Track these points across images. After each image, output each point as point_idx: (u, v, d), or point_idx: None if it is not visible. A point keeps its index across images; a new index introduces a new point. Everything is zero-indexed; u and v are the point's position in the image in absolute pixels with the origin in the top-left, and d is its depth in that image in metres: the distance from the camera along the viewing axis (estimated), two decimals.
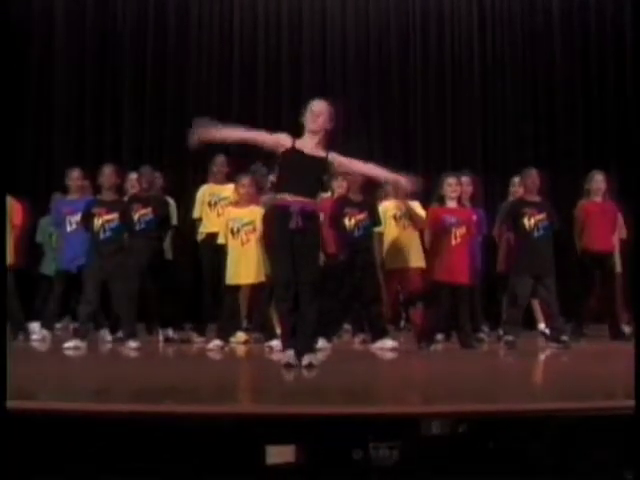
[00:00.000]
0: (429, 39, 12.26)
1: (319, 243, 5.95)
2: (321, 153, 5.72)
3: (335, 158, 5.78)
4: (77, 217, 8.33)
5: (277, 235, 5.65)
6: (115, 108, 11.77)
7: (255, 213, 7.57)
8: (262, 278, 7.55)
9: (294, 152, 5.68)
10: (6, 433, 3.43)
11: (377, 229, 8.11)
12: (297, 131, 5.77)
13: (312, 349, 5.69)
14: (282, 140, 5.72)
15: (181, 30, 11.95)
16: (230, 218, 7.72)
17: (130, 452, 3.54)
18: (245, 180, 7.74)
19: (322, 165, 5.76)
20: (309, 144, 5.72)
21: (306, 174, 5.68)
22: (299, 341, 5.63)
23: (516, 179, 8.75)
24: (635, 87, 11.72)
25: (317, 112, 5.70)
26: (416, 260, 8.21)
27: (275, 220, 5.67)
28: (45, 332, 8.50)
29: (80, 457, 3.51)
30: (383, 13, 12.21)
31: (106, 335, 8.46)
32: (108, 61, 11.87)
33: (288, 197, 5.60)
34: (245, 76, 11.88)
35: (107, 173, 7.88)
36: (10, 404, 3.55)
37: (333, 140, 5.83)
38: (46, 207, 9.55)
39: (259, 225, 7.60)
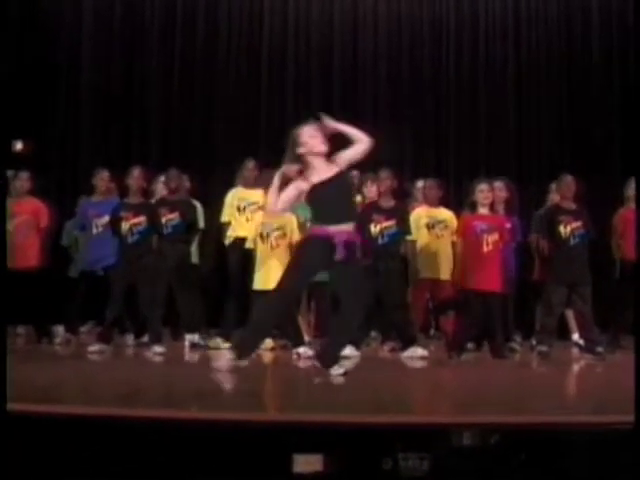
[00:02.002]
0: (463, 42, 12.22)
1: (362, 271, 5.95)
2: (336, 169, 5.74)
3: (341, 157, 5.78)
4: (103, 220, 8.40)
5: (315, 263, 5.73)
6: (143, 110, 11.85)
7: (286, 219, 7.63)
8: None
9: (318, 187, 5.69)
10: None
11: (409, 238, 8.11)
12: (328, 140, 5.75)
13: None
14: (301, 186, 5.71)
15: (210, 32, 11.99)
16: (260, 222, 7.76)
17: (155, 458, 3.57)
18: None
19: (348, 181, 5.80)
20: (324, 170, 5.74)
21: (339, 199, 5.72)
22: (329, 351, 5.69)
23: (554, 185, 8.70)
24: None
25: (314, 135, 5.71)
26: (447, 272, 8.20)
27: (316, 250, 5.67)
28: (69, 335, 8.57)
29: (105, 462, 3.54)
30: (416, 17, 12.18)
31: (131, 339, 8.52)
32: (136, 62, 11.94)
33: (331, 228, 5.63)
34: (274, 79, 11.92)
35: (135, 175, 7.95)
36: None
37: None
38: (72, 210, 9.63)
39: (289, 231, 7.67)
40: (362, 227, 7.69)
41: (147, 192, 8.37)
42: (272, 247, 7.66)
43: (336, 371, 5.56)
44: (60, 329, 8.69)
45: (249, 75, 11.95)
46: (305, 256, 5.74)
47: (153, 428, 3.65)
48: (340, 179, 5.73)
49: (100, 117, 11.75)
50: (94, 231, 8.57)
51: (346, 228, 5.68)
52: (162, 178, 8.79)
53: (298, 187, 5.72)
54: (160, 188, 8.83)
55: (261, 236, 7.73)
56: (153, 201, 8.54)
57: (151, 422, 3.69)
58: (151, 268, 7.83)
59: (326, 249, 5.59)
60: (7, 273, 6.64)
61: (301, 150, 5.71)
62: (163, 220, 8.23)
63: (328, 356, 5.67)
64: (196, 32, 12.01)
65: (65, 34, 11.90)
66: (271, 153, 10.93)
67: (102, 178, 8.76)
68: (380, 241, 7.73)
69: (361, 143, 5.73)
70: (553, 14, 12.22)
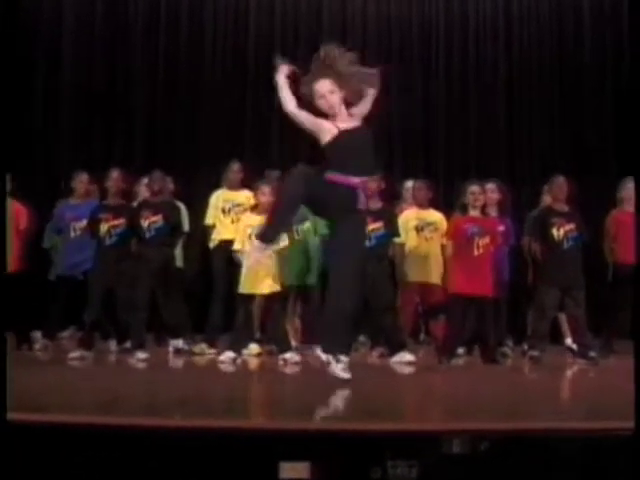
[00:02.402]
0: (453, 42, 12.23)
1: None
2: (356, 122, 5.73)
3: (356, 111, 5.77)
4: (81, 223, 8.40)
5: (339, 213, 5.60)
6: (126, 111, 11.81)
7: None
8: (278, 288, 7.57)
9: (345, 134, 5.61)
10: (7, 444, 3.45)
11: (398, 240, 8.11)
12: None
13: None
14: (325, 124, 5.63)
15: (195, 31, 11.98)
16: (249, 224, 7.73)
17: (137, 468, 3.55)
18: (266, 188, 7.74)
19: (371, 135, 5.74)
20: (348, 119, 5.68)
21: (365, 151, 5.65)
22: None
23: (547, 187, 8.70)
24: None
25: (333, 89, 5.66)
26: (437, 276, 8.20)
27: (340, 197, 5.54)
28: (46, 341, 8.53)
29: (85, 472, 3.52)
30: (405, 17, 12.20)
31: (113, 345, 8.50)
32: (118, 60, 11.92)
33: (355, 178, 5.53)
34: (260, 80, 11.87)
35: (114, 177, 7.96)
36: (10, 415, 3.57)
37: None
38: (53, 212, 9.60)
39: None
40: None
41: (127, 194, 8.37)
42: None
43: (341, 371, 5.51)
44: (38, 335, 8.67)
45: (235, 76, 11.94)
46: (322, 199, 5.59)
47: (136, 436, 3.62)
48: (365, 131, 5.72)
49: (82, 118, 11.71)
50: (72, 235, 8.56)
51: (368, 180, 5.68)
52: (145, 180, 8.77)
53: (321, 122, 5.63)
54: (143, 190, 8.81)
55: (249, 238, 7.70)
56: (136, 204, 8.53)
57: (134, 430, 3.66)
58: (130, 272, 7.82)
59: (348, 198, 5.53)
60: None
61: (321, 101, 5.64)
62: (146, 223, 8.19)
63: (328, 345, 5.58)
64: (180, 30, 12.00)
65: (44, 31, 11.85)
66: (256, 155, 11.04)
67: (81, 181, 8.76)
68: (368, 243, 7.70)
69: (371, 90, 5.79)
70: (545, 13, 12.27)
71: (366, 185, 5.63)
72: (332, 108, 5.63)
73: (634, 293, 7.66)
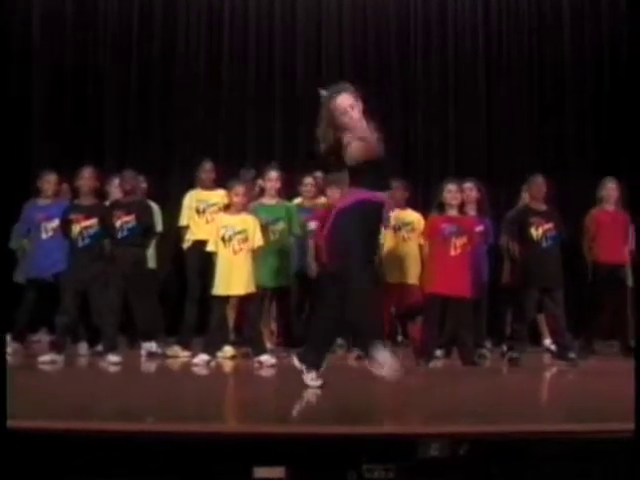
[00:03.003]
0: (431, 37, 12.24)
1: None
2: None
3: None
4: (53, 223, 8.33)
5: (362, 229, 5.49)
6: (97, 108, 11.73)
7: (248, 222, 7.65)
8: (252, 289, 7.58)
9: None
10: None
11: None
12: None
13: None
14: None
15: (168, 27, 11.90)
16: (222, 225, 7.72)
17: (109, 472, 3.55)
18: (239, 189, 7.74)
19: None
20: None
21: (385, 166, 5.63)
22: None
23: (526, 186, 8.71)
24: None
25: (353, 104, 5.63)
26: (415, 276, 8.21)
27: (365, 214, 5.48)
28: (16, 345, 8.49)
29: (54, 477, 3.52)
30: (382, 10, 12.20)
31: (84, 348, 8.47)
32: (89, 58, 11.82)
33: (380, 194, 5.52)
34: (234, 78, 11.86)
35: (86, 176, 7.91)
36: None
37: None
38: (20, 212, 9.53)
39: (251, 234, 7.64)
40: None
41: (100, 194, 8.33)
42: (235, 251, 7.61)
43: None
44: (7, 338, 8.60)
45: (209, 73, 11.88)
46: (362, 221, 5.48)
47: (108, 441, 3.62)
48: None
49: (52, 115, 11.63)
50: (43, 236, 8.49)
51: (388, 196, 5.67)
52: (117, 179, 8.74)
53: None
54: (115, 190, 8.78)
55: (223, 239, 7.69)
56: (107, 203, 8.50)
57: (106, 435, 3.66)
58: (103, 274, 7.80)
59: (378, 214, 5.56)
60: None
61: (345, 118, 5.58)
62: (118, 223, 8.17)
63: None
64: (153, 28, 11.91)
65: (14, 27, 11.73)
66: (230, 154, 11.02)
67: (48, 181, 8.69)
68: None
69: None
70: (524, 8, 12.28)
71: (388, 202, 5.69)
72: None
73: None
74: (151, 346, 8.32)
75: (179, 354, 8.29)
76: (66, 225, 7.82)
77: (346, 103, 5.60)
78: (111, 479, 3.54)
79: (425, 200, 9.53)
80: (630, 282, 8.96)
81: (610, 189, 8.74)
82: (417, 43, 12.23)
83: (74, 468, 3.53)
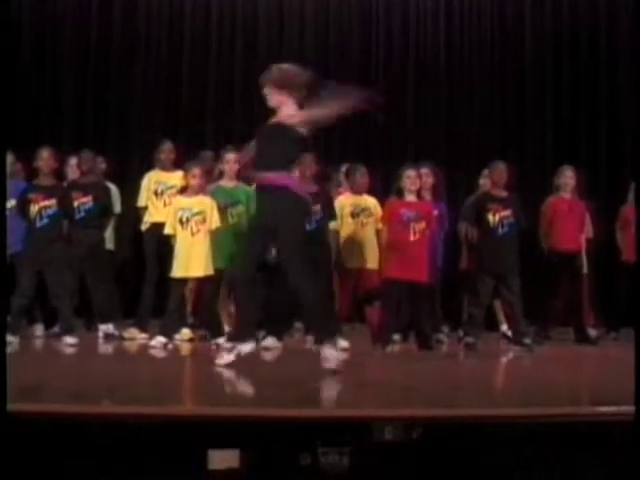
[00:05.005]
0: (392, 24, 12.21)
1: None
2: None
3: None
4: (8, 204, 8.25)
5: None
6: (54, 87, 11.60)
7: (205, 203, 7.63)
8: (211, 271, 7.57)
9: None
10: None
11: (332, 226, 8.11)
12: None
13: None
14: None
15: (127, 5, 11.75)
16: (179, 207, 7.69)
17: (64, 454, 3.53)
18: (196, 170, 7.72)
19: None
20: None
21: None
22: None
23: (486, 171, 8.73)
24: (609, 79, 11.86)
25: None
26: (373, 261, 8.22)
27: None
28: None
29: (9, 459, 3.50)
30: (344, 2, 12.17)
31: (40, 330, 8.41)
32: (47, 33, 11.65)
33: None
34: (194, 56, 11.78)
35: (45, 157, 7.85)
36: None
37: None
38: None
39: (209, 216, 7.62)
40: None
41: (58, 174, 8.26)
42: (192, 233, 7.60)
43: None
44: None
45: (169, 52, 11.79)
46: None
47: (62, 423, 3.61)
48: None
49: (6, 92, 11.46)
50: None
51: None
52: (74, 160, 8.66)
53: None
54: (72, 170, 8.71)
55: (180, 221, 7.66)
56: (65, 184, 8.43)
57: (60, 417, 3.64)
58: (61, 255, 7.74)
59: None
60: None
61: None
62: (75, 204, 8.12)
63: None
64: (113, 4, 11.75)
65: None
66: (190, 134, 10.95)
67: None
68: (308, 227, 7.71)
69: None
70: None
71: None
72: None
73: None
74: (108, 328, 8.29)
75: (136, 336, 8.26)
76: (23, 205, 7.75)
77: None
78: (62, 462, 3.53)
79: (384, 184, 9.52)
80: (585, 269, 9.05)
81: (567, 177, 8.80)
82: (379, 29, 12.18)
83: (25, 451, 3.52)
